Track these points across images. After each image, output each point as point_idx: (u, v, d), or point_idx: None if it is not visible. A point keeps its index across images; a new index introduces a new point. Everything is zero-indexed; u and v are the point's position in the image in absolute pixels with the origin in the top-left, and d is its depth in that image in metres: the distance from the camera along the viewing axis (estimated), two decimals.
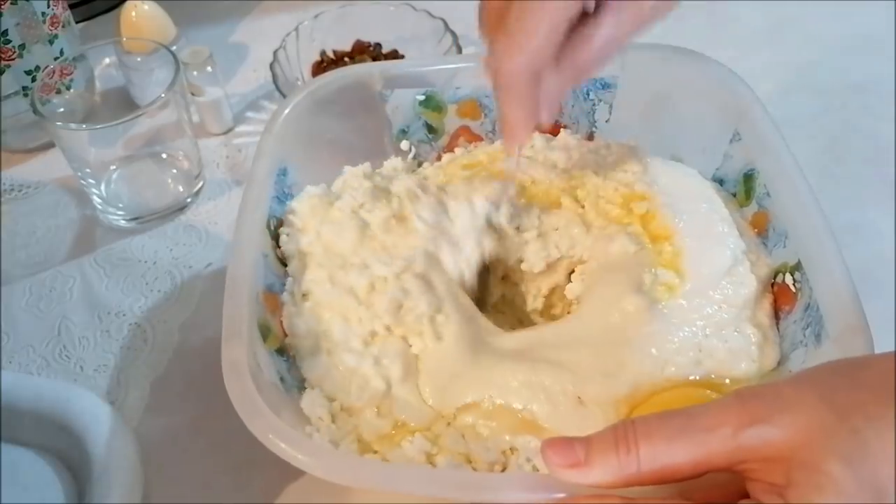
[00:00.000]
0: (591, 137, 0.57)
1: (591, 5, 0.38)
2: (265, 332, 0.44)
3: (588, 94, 0.55)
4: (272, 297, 0.47)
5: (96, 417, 0.44)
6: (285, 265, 0.49)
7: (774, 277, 0.47)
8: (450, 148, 0.57)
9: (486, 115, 0.56)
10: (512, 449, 0.42)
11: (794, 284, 0.45)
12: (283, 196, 0.51)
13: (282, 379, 0.44)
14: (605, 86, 0.55)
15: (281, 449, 0.37)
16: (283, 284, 0.48)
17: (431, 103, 0.55)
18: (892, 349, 0.32)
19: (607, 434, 0.32)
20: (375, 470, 0.38)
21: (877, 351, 0.39)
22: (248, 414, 0.38)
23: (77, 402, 0.44)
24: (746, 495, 0.31)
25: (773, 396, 0.30)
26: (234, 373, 0.39)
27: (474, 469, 0.41)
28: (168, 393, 0.53)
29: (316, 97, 0.53)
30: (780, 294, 0.47)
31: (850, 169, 0.64)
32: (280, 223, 0.50)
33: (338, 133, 0.54)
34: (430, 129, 0.56)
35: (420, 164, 0.57)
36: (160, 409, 0.52)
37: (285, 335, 0.46)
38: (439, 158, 0.57)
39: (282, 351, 0.46)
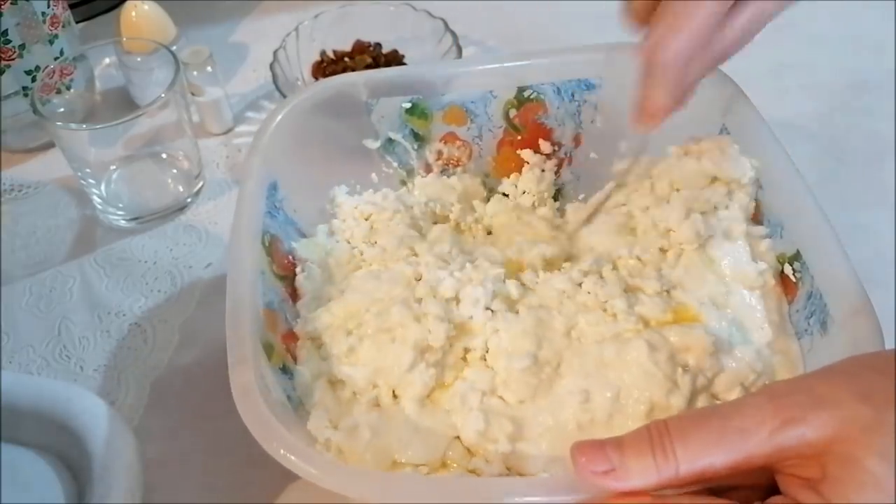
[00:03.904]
0: (577, 139, 0.56)
1: None
2: (268, 350, 0.43)
3: (573, 96, 0.55)
4: (272, 314, 0.46)
5: (96, 417, 0.44)
6: (282, 279, 0.48)
7: None
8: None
9: (472, 120, 0.55)
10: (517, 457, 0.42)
11: (794, 274, 0.45)
12: (275, 211, 0.50)
13: (288, 397, 0.43)
14: (589, 86, 0.54)
15: (308, 472, 0.35)
16: (282, 300, 0.47)
17: (417, 111, 0.54)
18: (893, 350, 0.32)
19: (641, 437, 0.31)
20: (411, 485, 0.37)
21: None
22: (265, 438, 0.36)
23: (77, 401, 0.44)
24: (773, 485, 0.31)
25: (807, 394, 0.30)
26: (246, 396, 0.38)
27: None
28: (168, 393, 0.53)
29: (301, 109, 0.52)
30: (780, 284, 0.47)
31: (850, 169, 0.64)
32: (273, 238, 0.49)
33: (324, 144, 0.53)
34: (417, 136, 0.56)
35: (408, 174, 0.57)
36: (160, 408, 0.52)
37: (287, 352, 0.46)
38: (428, 169, 0.57)
39: (285, 369, 0.45)
